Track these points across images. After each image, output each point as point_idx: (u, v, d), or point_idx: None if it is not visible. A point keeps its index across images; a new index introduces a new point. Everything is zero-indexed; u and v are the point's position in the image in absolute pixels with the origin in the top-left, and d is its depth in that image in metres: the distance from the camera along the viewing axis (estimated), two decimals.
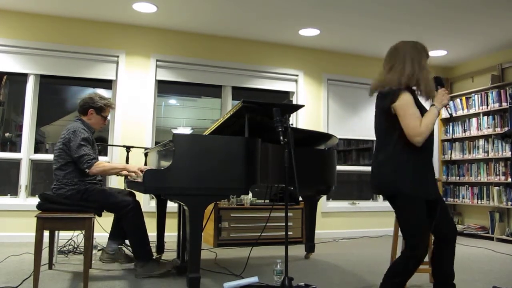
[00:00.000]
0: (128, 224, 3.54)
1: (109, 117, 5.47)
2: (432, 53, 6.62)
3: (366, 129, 6.62)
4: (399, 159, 2.44)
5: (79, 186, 3.47)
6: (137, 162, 4.73)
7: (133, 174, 3.51)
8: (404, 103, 2.38)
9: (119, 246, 3.88)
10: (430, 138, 2.45)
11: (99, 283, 3.32)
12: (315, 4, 4.94)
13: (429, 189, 2.47)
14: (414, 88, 2.52)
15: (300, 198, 5.28)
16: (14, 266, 3.74)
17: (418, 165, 2.44)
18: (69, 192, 3.43)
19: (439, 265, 2.56)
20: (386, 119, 2.47)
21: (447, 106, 2.49)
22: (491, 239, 6.05)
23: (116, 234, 3.85)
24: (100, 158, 4.73)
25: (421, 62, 2.49)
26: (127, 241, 3.91)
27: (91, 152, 3.49)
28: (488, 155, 6.25)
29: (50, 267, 3.72)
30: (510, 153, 3.09)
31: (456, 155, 6.81)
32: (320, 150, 4.29)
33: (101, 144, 5.59)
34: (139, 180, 3.35)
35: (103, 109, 3.74)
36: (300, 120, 6.38)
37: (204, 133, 3.90)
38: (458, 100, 6.85)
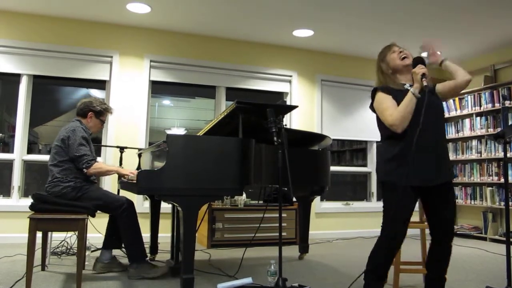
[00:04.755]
0: (122, 223, 3.53)
1: None
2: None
3: (359, 129, 6.63)
4: (380, 151, 2.74)
5: (74, 183, 3.47)
6: (131, 162, 4.73)
7: (129, 174, 3.64)
8: (377, 101, 2.61)
9: (114, 255, 3.84)
10: (413, 123, 2.43)
11: (92, 284, 3.30)
12: (309, 5, 4.95)
13: (412, 174, 2.41)
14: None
15: (294, 199, 5.28)
16: (7, 268, 3.72)
17: (396, 154, 2.51)
18: (64, 190, 3.43)
19: (431, 258, 2.63)
20: (377, 117, 2.67)
21: (423, 79, 2.44)
22: (484, 239, 6.09)
23: (109, 243, 3.81)
24: None
25: (383, 70, 2.72)
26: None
27: (90, 153, 3.55)
28: (481, 156, 6.28)
29: (43, 269, 3.70)
30: (503, 153, 3.09)
31: (450, 156, 6.82)
32: (314, 151, 4.29)
33: (95, 144, 5.55)
34: (133, 180, 3.35)
35: (102, 113, 3.83)
36: (294, 121, 6.39)
37: (198, 134, 3.89)
38: (451, 100, 6.88)
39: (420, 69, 2.47)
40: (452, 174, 2.66)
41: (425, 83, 2.43)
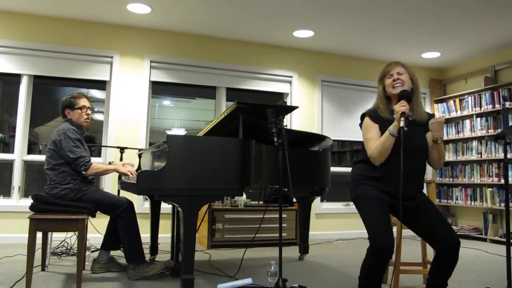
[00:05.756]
0: (122, 224, 3.52)
1: (100, 117, 5.47)
2: (425, 55, 6.71)
3: (360, 130, 6.60)
4: (354, 169, 2.74)
5: (73, 185, 3.46)
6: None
7: (128, 173, 3.62)
8: (364, 127, 2.69)
9: (111, 256, 3.83)
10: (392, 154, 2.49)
11: (92, 285, 3.30)
12: (309, 5, 4.95)
13: (387, 191, 2.48)
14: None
15: (294, 200, 5.28)
16: (7, 268, 3.72)
17: (372, 176, 2.57)
18: (63, 192, 3.41)
19: (434, 276, 2.56)
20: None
21: (402, 118, 2.40)
22: (484, 240, 6.08)
23: (108, 244, 3.81)
24: (93, 159, 4.72)
25: (379, 91, 2.74)
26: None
27: (86, 154, 3.53)
28: (481, 157, 6.28)
29: (43, 269, 3.70)
30: (503, 154, 3.09)
31: (450, 157, 6.84)
32: (314, 151, 4.29)
33: (95, 145, 5.57)
34: (133, 181, 3.35)
35: (72, 102, 3.69)
36: (294, 122, 6.39)
37: (198, 134, 3.89)
38: (451, 101, 6.88)
39: (400, 107, 2.44)
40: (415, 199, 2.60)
41: (402, 123, 2.39)
